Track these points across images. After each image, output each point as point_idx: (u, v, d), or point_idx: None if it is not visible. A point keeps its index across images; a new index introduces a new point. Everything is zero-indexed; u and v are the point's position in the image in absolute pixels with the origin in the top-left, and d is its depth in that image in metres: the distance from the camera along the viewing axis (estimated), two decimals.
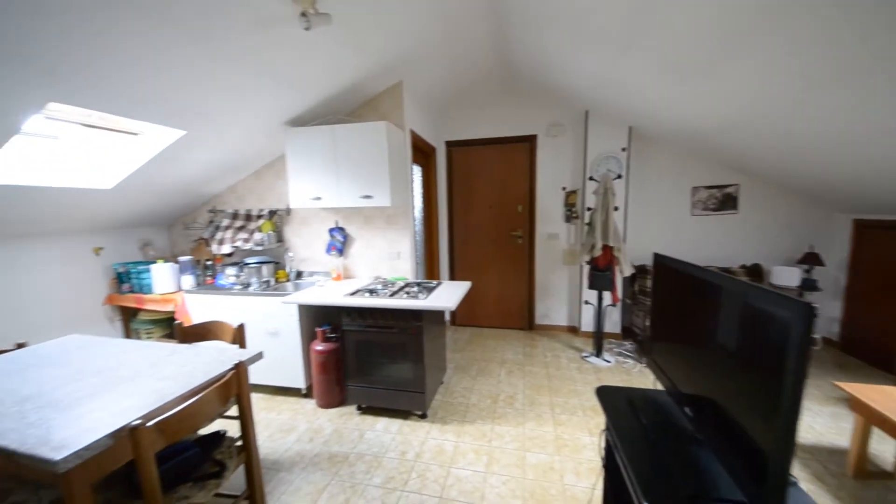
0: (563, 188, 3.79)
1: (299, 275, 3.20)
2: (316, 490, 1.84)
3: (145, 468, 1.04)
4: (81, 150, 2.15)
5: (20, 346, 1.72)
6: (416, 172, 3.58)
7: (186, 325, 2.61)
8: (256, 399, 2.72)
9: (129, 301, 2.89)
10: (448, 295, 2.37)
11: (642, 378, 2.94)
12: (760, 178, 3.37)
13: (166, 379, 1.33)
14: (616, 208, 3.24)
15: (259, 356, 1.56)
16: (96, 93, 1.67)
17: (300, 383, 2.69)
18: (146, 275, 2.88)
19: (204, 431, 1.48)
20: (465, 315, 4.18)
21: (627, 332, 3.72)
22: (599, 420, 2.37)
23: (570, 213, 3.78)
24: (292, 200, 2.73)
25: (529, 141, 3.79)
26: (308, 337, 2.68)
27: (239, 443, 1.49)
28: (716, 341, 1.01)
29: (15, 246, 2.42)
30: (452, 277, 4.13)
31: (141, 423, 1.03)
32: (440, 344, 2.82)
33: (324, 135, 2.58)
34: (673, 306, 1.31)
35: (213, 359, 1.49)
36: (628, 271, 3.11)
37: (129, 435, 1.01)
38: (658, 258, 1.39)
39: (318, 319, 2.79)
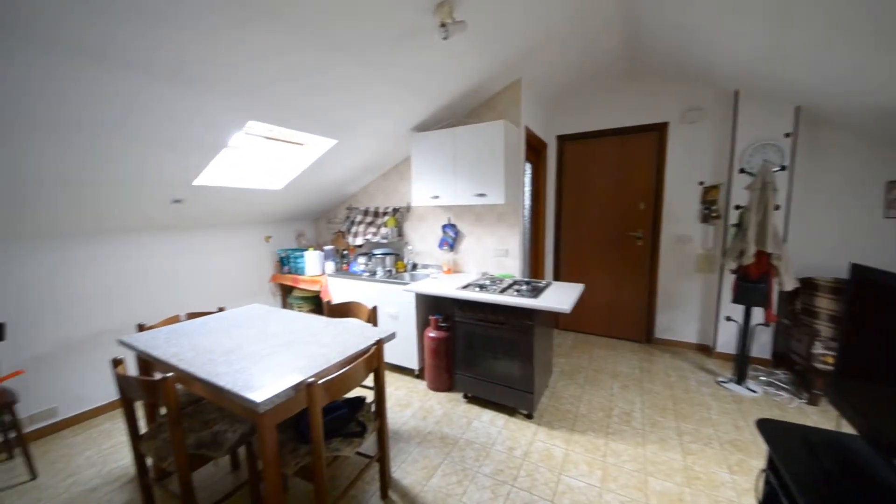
0: (701, 183, 3.28)
1: (414, 266, 3.47)
2: (431, 465, 1.99)
3: (315, 418, 1.27)
4: (261, 158, 2.71)
5: (220, 309, 2.26)
6: (527, 169, 3.53)
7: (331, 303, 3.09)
8: None
9: (288, 280, 3.56)
10: (560, 296, 2.29)
11: (801, 416, 2.39)
12: None
13: (325, 346, 1.59)
14: (777, 207, 2.67)
15: (392, 336, 1.76)
16: (278, 110, 2.08)
17: (414, 364, 2.94)
18: (300, 260, 3.50)
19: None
20: (569, 319, 3.97)
21: (780, 359, 3.05)
22: (743, 458, 2.02)
23: (709, 212, 3.25)
24: (414, 198, 2.97)
25: (658, 130, 3.38)
26: (422, 323, 2.90)
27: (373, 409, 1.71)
28: None
29: (209, 233, 3.19)
30: (557, 278, 3.96)
31: (314, 381, 1.26)
32: (548, 346, 2.74)
33: (444, 137, 2.74)
34: (883, 334, 1.03)
35: (358, 334, 1.73)
36: (791, 285, 2.53)
37: (305, 389, 1.25)
38: (859, 270, 1.10)
39: (431, 308, 2.99)
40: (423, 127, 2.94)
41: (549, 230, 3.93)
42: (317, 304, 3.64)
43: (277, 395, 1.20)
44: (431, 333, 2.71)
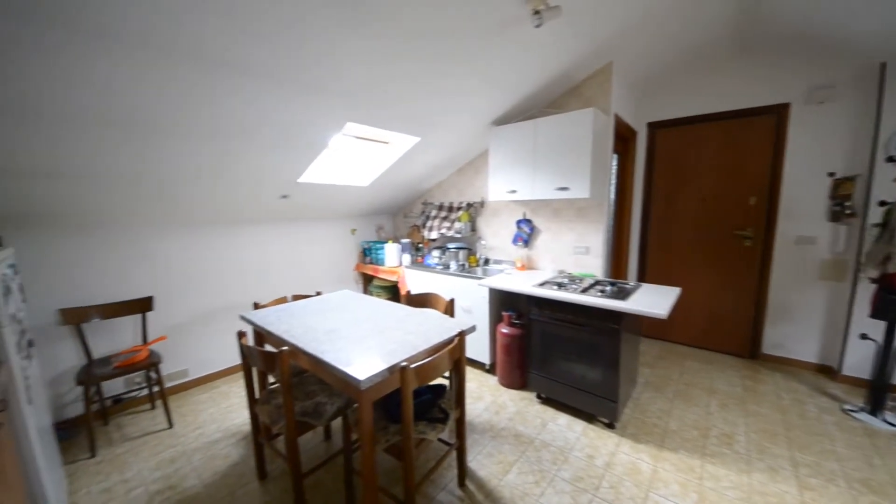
0: (831, 174, 2.76)
1: (487, 261, 3.47)
2: (506, 461, 1.98)
3: (406, 400, 1.34)
4: (352, 157, 2.92)
5: (318, 293, 2.49)
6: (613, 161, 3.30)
7: (404, 293, 3.22)
8: None
9: (369, 270, 3.82)
10: (653, 300, 2.10)
11: None
12: None
13: (411, 333, 1.67)
14: None
15: (472, 329, 1.78)
16: (372, 112, 2.21)
17: (485, 359, 2.94)
18: (381, 251, 3.73)
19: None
20: (655, 326, 3.64)
21: None
22: (877, 500, 1.68)
23: (841, 209, 2.73)
24: (490, 193, 2.96)
25: (776, 112, 2.91)
26: (495, 318, 2.89)
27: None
28: None
29: (307, 226, 3.54)
30: (641, 280, 3.65)
31: (407, 365, 1.33)
32: (634, 354, 2.55)
33: (525, 129, 2.68)
34: None
35: (439, 324, 1.78)
36: None
37: (399, 371, 1.33)
38: None
39: (504, 303, 2.96)
40: (502, 120, 2.91)
41: (635, 227, 3.62)
42: (393, 294, 3.83)
43: (377, 375, 1.29)
44: (504, 329, 2.69)
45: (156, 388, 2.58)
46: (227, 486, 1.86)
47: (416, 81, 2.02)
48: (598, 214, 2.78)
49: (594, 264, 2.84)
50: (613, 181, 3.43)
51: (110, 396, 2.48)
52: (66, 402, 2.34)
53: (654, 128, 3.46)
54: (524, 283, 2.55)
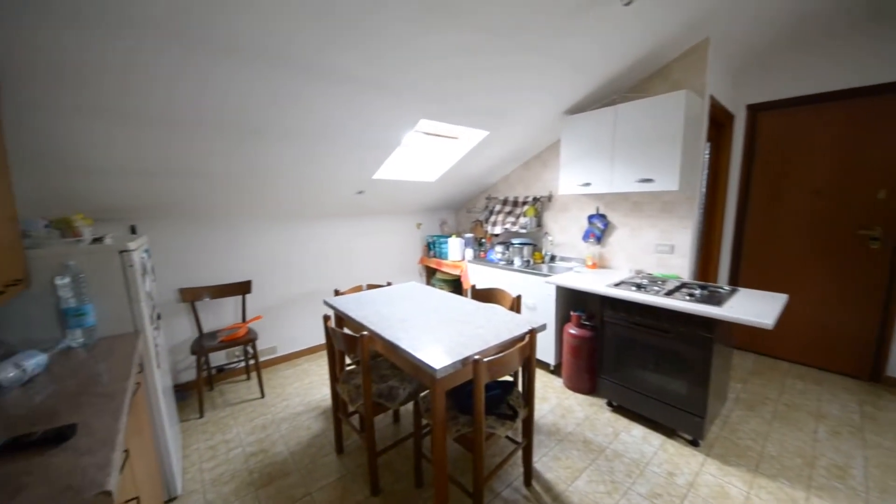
0: None
1: (553, 258, 3.35)
2: (575, 467, 1.91)
3: (478, 392, 1.35)
4: (421, 154, 2.99)
5: (388, 283, 2.61)
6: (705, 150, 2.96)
7: (466, 287, 3.25)
8: None
9: (433, 263, 3.92)
10: (754, 307, 1.86)
11: None
12: None
13: (480, 328, 1.68)
14: None
15: (543, 328, 1.73)
16: (445, 108, 2.23)
17: (550, 359, 2.86)
18: (445, 245, 3.80)
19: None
20: (749, 336, 3.22)
21: None
22: None
23: None
24: (561, 187, 2.84)
25: None
26: (561, 318, 2.79)
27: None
28: None
29: (377, 220, 3.73)
30: (733, 283, 3.25)
31: (480, 358, 1.34)
32: (726, 366, 2.29)
33: (603, 117, 2.51)
34: None
35: (508, 320, 1.77)
36: None
37: (472, 364, 1.34)
38: None
39: (572, 303, 2.84)
40: (577, 109, 2.75)
41: (728, 224, 3.22)
42: (455, 287, 3.89)
43: (452, 365, 1.32)
44: (572, 330, 2.58)
45: (251, 362, 2.94)
46: (309, 455, 2.05)
47: (488, 74, 1.99)
48: (688, 209, 2.51)
49: (679, 265, 2.59)
50: (705, 173, 3.08)
51: (215, 366, 2.87)
52: (181, 369, 2.76)
53: (756, 111, 3.02)
54: (597, 283, 2.42)
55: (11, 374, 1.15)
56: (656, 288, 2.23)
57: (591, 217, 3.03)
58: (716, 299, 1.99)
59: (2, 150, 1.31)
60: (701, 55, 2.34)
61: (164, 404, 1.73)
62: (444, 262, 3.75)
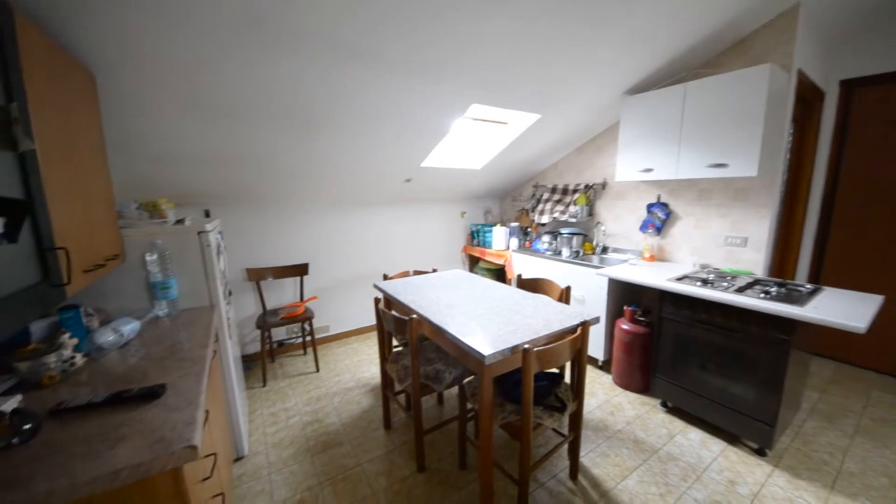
0: None
1: (605, 250, 3.18)
2: (624, 466, 1.84)
3: (527, 381, 1.34)
4: (467, 141, 2.94)
5: (434, 270, 2.64)
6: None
7: (510, 277, 3.20)
8: None
9: (476, 252, 3.90)
10: (842, 309, 1.64)
11: None
12: None
13: (529, 317, 1.64)
14: None
15: (597, 320, 1.66)
16: (496, 92, 2.17)
17: (599, 354, 2.75)
18: (489, 234, 3.76)
19: None
20: (828, 341, 2.86)
21: None
22: None
23: None
24: (618, 173, 2.67)
25: None
26: (613, 312, 2.66)
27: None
28: None
29: (422, 208, 3.78)
30: (814, 281, 2.89)
31: (530, 347, 1.31)
32: (803, 373, 2.07)
33: (670, 96, 2.30)
34: None
35: (558, 311, 1.72)
36: None
37: (521, 353, 1.32)
38: None
39: (625, 297, 2.70)
40: (639, 88, 2.54)
41: (812, 215, 2.85)
42: (499, 277, 3.84)
43: (500, 352, 1.32)
44: (625, 326, 2.45)
45: (308, 338, 3.15)
46: (359, 428, 2.17)
47: (544, 52, 1.89)
48: (766, 197, 2.25)
49: (752, 259, 2.35)
50: (786, 157, 2.74)
51: (276, 340, 3.11)
52: (248, 342, 3.02)
53: (851, 87, 2.61)
54: (656, 277, 2.26)
55: (111, 338, 1.32)
56: (725, 284, 2.04)
57: (650, 206, 2.83)
58: (796, 298, 1.78)
59: (101, 140, 1.49)
60: (789, 24, 2.05)
61: (235, 372, 1.91)
62: (487, 250, 3.72)
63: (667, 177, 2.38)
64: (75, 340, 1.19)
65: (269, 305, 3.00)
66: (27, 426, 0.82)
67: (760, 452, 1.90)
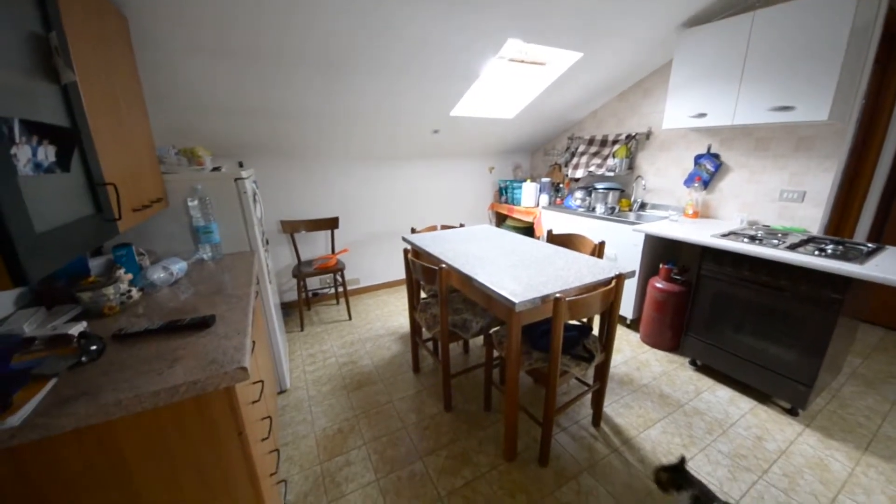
0: None
1: (643, 206, 3.02)
2: (648, 418, 1.86)
3: (556, 330, 1.34)
4: (501, 85, 2.74)
5: (461, 225, 2.62)
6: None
7: (538, 234, 3.13)
8: None
9: (504, 209, 3.81)
10: None
11: None
12: None
13: (561, 269, 1.61)
14: None
15: (632, 274, 1.60)
16: (535, 24, 1.96)
17: (628, 313, 2.71)
18: (518, 191, 3.64)
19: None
20: (880, 307, 2.66)
21: None
22: None
23: None
24: (666, 119, 2.45)
25: None
26: (647, 270, 2.58)
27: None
28: None
29: (451, 162, 3.68)
30: (875, 240, 2.63)
31: (562, 297, 1.30)
32: (849, 336, 1.96)
33: (734, 28, 2.02)
34: None
35: (591, 265, 1.67)
36: None
37: (553, 302, 1.31)
38: None
39: (661, 255, 2.59)
40: (699, 20, 2.23)
41: (882, 169, 2.54)
42: (527, 235, 3.76)
43: (530, 300, 1.31)
44: (659, 284, 2.37)
45: (340, 289, 3.29)
46: (390, 370, 2.30)
47: None
48: (834, 146, 2.02)
49: (809, 216, 2.16)
50: (861, 101, 2.40)
51: (311, 290, 3.27)
52: (285, 290, 3.19)
53: None
54: (699, 233, 2.13)
55: (162, 275, 1.41)
56: (775, 241, 1.90)
57: (698, 157, 2.61)
58: (854, 257, 1.64)
59: (138, 86, 1.50)
60: None
61: (276, 314, 2.03)
62: (515, 208, 3.62)
63: (722, 122, 2.16)
64: (130, 276, 1.28)
65: (304, 257, 3.11)
66: (94, 347, 0.91)
67: (792, 412, 1.86)
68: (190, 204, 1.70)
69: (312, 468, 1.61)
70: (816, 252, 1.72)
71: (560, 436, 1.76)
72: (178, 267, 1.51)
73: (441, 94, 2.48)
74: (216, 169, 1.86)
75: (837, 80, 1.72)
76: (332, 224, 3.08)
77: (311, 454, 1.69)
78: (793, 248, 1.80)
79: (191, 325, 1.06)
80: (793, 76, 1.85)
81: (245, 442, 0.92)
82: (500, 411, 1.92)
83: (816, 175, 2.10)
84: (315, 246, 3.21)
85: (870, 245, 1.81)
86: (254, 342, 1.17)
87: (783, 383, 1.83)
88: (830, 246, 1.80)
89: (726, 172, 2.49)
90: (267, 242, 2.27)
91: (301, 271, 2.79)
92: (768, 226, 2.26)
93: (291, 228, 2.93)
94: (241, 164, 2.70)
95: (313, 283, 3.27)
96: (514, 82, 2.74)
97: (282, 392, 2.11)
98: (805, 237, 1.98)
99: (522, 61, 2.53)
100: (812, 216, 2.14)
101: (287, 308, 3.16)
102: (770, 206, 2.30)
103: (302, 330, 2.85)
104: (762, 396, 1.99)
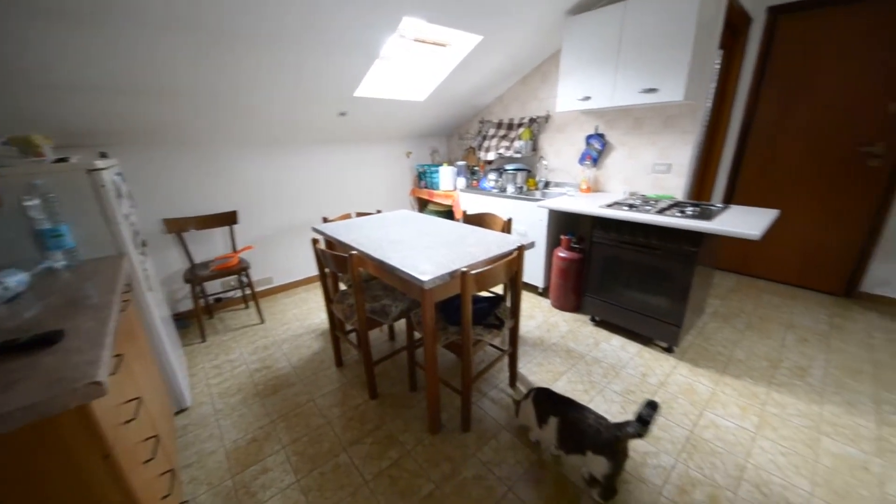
0: None
1: (546, 185, 3.27)
2: (556, 371, 2.06)
3: (465, 303, 1.39)
4: (407, 67, 2.71)
5: (378, 211, 2.56)
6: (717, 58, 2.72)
7: (458, 217, 3.21)
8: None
9: (424, 194, 3.82)
10: (744, 221, 1.86)
11: None
12: None
13: (472, 246, 1.68)
14: None
15: (532, 245, 1.73)
16: (425, 4, 1.96)
17: (539, 282, 2.95)
18: (436, 175, 3.67)
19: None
20: (733, 258, 3.31)
21: None
22: None
23: None
24: (559, 103, 2.66)
25: None
26: (552, 242, 2.81)
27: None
28: None
29: (364, 148, 3.55)
30: (727, 202, 3.23)
31: (467, 271, 1.35)
32: (706, 282, 2.38)
33: (610, 16, 2.25)
34: None
35: (500, 240, 1.77)
36: None
37: (460, 276, 1.36)
38: None
39: (563, 227, 2.85)
40: (582, 7, 2.43)
41: (731, 140, 3.08)
42: (448, 218, 3.85)
43: (439, 277, 1.34)
44: (562, 253, 2.62)
45: (248, 291, 3.00)
46: (310, 369, 2.18)
47: None
48: (691, 123, 2.39)
49: (675, 185, 2.54)
50: (713, 84, 2.88)
51: (212, 294, 2.93)
52: (179, 298, 2.81)
53: (777, 14, 2.73)
54: (589, 205, 2.38)
55: None
56: (648, 207, 2.21)
57: (588, 137, 2.89)
58: (706, 215, 1.98)
59: None
60: None
61: (162, 325, 1.78)
62: (435, 192, 3.66)
63: (604, 104, 2.42)
64: None
65: (199, 258, 2.77)
66: None
67: (669, 350, 2.22)
68: (27, 203, 1.38)
69: (223, 483, 1.48)
70: (678, 214, 2.05)
71: (482, 402, 1.86)
72: (16, 280, 1.23)
73: (340, 70, 2.34)
74: (61, 160, 1.54)
75: (689, 65, 2.03)
76: (229, 219, 2.77)
77: (221, 469, 1.54)
78: (661, 212, 2.11)
79: (31, 344, 0.87)
80: (656, 61, 2.13)
81: (114, 465, 0.79)
82: (424, 389, 1.96)
83: (680, 149, 2.47)
84: (213, 245, 2.87)
85: (720, 205, 2.21)
86: (120, 355, 1.01)
87: (660, 327, 2.17)
88: (690, 208, 2.15)
89: (611, 150, 2.81)
90: (143, 244, 1.97)
91: (195, 275, 2.47)
92: (644, 195, 2.62)
93: (178, 227, 2.57)
94: (103, 155, 2.28)
95: (214, 287, 2.93)
96: (420, 63, 2.73)
97: (182, 411, 1.88)
98: (672, 202, 2.34)
99: (425, 42, 2.52)
100: (678, 185, 2.53)
101: (184, 318, 2.79)
102: (646, 178, 2.66)
103: (204, 341, 2.55)
104: (646, 340, 2.33)
